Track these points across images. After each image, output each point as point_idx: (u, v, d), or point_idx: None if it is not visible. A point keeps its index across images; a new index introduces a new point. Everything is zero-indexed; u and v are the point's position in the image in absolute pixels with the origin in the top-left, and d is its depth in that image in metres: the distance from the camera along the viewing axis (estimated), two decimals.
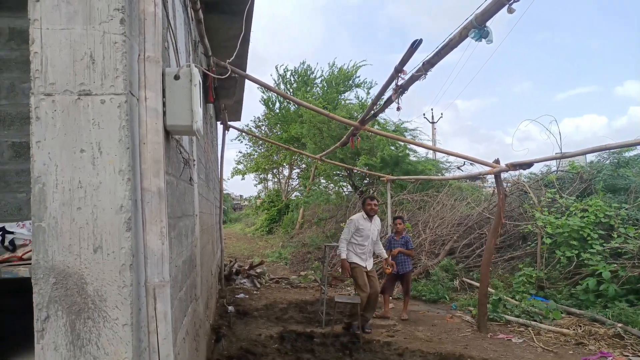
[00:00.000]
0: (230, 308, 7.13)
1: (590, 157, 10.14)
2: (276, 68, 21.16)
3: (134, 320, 1.49)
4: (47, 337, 1.44)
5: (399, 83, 3.77)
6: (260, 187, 29.60)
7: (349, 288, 9.24)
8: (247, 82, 7.50)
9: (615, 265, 6.11)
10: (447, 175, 12.86)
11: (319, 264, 11.66)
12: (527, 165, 5.24)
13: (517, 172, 9.32)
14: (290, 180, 26.03)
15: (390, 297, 7.07)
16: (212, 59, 4.74)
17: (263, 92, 21.70)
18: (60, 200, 1.48)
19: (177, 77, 2.21)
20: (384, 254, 6.41)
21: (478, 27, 2.57)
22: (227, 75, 3.81)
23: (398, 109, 4.02)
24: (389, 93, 4.37)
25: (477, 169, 10.82)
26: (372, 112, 5.29)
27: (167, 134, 2.31)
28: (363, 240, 6.03)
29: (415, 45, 3.31)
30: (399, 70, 3.66)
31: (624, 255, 6.34)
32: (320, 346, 5.33)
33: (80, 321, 1.45)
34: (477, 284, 7.98)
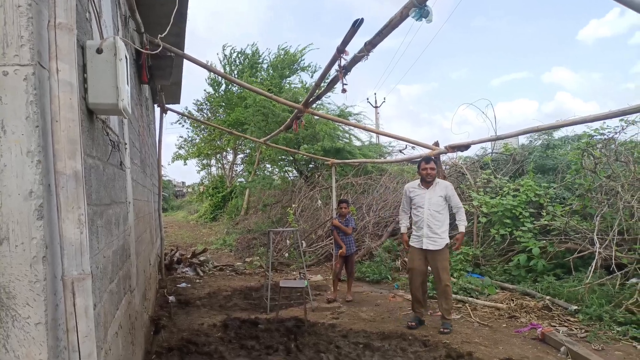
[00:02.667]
0: (171, 298, 6.91)
1: (522, 140, 10.68)
2: (223, 48, 20.41)
3: (49, 318, 1.35)
4: None
5: (342, 64, 3.71)
6: (203, 173, 28.90)
7: (294, 272, 9.24)
8: (186, 63, 7.18)
9: (544, 241, 6.49)
10: (390, 158, 13.08)
11: (264, 249, 11.58)
12: (465, 147, 5.39)
13: (455, 154, 9.64)
14: (234, 166, 25.55)
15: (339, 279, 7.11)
16: (145, 36, 4.45)
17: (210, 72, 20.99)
18: None
19: (99, 51, 2.02)
20: (462, 226, 5.27)
21: (418, 6, 2.56)
22: (158, 50, 3.57)
23: (343, 90, 3.93)
24: (332, 75, 4.31)
25: (418, 151, 11.08)
26: (316, 94, 5.21)
27: (91, 113, 2.12)
28: (416, 211, 5.34)
29: (356, 24, 3.25)
30: (341, 50, 3.59)
31: (552, 232, 6.74)
32: (264, 332, 5.28)
33: None
34: None
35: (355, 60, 3.61)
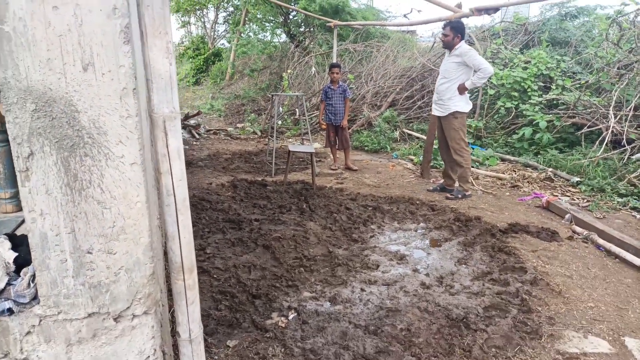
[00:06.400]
0: None
1: (533, 11, 10.10)
2: None
3: (144, 158, 1.22)
4: (35, 179, 1.13)
5: None
6: (182, 32, 27.05)
7: (290, 139, 9.20)
8: None
9: (551, 115, 6.47)
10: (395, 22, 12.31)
11: (255, 116, 11.38)
12: (494, 9, 5.03)
13: (467, 20, 9.11)
14: (216, 26, 23.91)
15: (337, 148, 7.09)
16: None
17: None
18: None
19: None
20: (468, 81, 5.04)
21: None
22: None
23: None
24: None
25: (423, 17, 10.43)
26: None
27: None
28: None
29: None
30: None
31: (558, 106, 6.70)
32: (274, 193, 5.37)
33: (75, 159, 1.15)
34: (417, 135, 8.26)
35: None
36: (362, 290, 3.23)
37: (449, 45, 5.15)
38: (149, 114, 1.25)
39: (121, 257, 1.25)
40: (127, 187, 1.20)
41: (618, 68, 5.90)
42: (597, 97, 6.15)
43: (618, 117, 5.35)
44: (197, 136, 9.12)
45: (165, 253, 1.99)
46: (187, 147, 8.08)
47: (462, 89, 5.09)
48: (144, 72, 1.25)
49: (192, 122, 10.19)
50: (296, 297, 3.14)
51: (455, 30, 5.16)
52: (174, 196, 1.29)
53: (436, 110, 5.36)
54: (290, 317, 2.94)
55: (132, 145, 1.18)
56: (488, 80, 7.40)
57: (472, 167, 6.37)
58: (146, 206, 1.23)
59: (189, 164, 6.75)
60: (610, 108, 5.35)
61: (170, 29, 1.21)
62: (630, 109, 5.27)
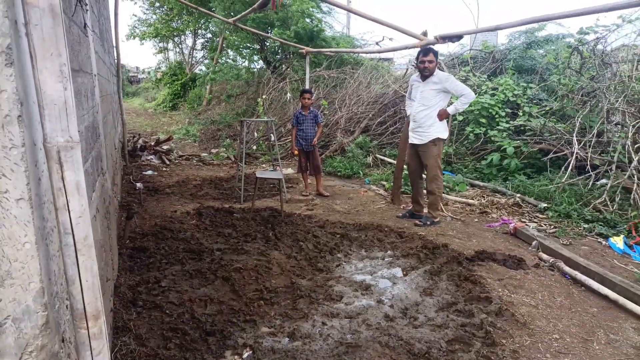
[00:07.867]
0: (139, 185, 6.65)
1: (501, 39, 10.36)
2: None
3: (32, 193, 1.08)
4: None
5: None
6: (160, 57, 27.03)
7: (263, 165, 9.09)
8: None
9: (518, 141, 6.52)
10: (366, 49, 12.47)
11: (230, 141, 11.26)
12: (457, 37, 5.05)
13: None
14: (194, 52, 23.95)
15: (308, 174, 6.99)
16: None
17: None
18: None
19: None
20: (451, 107, 5.07)
21: None
22: None
23: None
24: None
25: (393, 44, 10.58)
26: None
27: None
28: (410, 104, 5.39)
29: None
30: None
31: (526, 132, 6.77)
32: (240, 221, 5.22)
33: None
34: (390, 160, 8.24)
35: None
36: (323, 324, 3.08)
37: (431, 72, 5.11)
38: (43, 144, 1.12)
39: (7, 305, 1.10)
40: (13, 226, 1.06)
41: (581, 95, 6.01)
42: (563, 123, 6.23)
43: (582, 143, 5.41)
44: (168, 162, 8.93)
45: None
46: (155, 173, 7.88)
47: (443, 115, 5.07)
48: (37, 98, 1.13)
49: (165, 147, 10.01)
50: (253, 333, 2.97)
51: (436, 56, 5.20)
52: (73, 235, 1.16)
53: (414, 139, 5.23)
54: (245, 355, 2.77)
55: (17, 179, 1.05)
56: None
57: (443, 192, 6.35)
58: (36, 247, 1.09)
59: (155, 191, 6.56)
60: (574, 134, 5.42)
61: (65, 50, 1.09)
62: (593, 135, 5.35)
